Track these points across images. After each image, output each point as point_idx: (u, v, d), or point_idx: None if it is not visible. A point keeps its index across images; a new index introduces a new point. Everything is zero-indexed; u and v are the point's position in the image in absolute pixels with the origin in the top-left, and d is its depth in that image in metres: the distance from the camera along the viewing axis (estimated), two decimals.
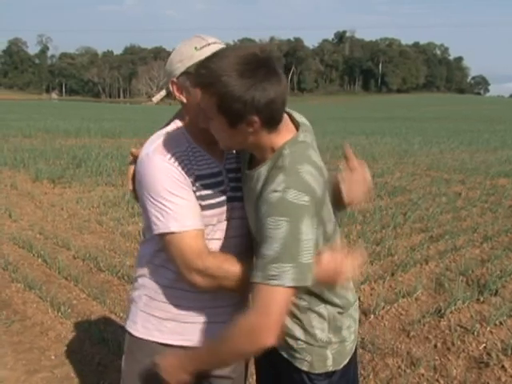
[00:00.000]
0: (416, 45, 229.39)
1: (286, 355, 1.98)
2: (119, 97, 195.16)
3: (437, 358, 4.26)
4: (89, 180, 11.56)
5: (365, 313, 4.99)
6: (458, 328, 4.74)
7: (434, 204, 9.71)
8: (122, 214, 8.45)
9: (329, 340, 1.95)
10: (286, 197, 1.62)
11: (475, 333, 4.63)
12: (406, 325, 4.81)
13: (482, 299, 5.32)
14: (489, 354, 4.30)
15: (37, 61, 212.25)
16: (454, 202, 9.84)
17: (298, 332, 1.93)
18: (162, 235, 1.84)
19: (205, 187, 1.92)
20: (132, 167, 2.02)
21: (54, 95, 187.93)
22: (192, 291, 1.92)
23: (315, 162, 1.78)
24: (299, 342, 1.94)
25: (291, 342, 1.95)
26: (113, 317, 4.87)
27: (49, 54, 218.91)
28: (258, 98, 1.62)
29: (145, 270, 2.05)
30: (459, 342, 4.48)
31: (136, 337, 2.08)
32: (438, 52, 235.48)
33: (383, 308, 5.08)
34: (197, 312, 2.02)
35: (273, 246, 1.62)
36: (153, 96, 2.09)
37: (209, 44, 1.86)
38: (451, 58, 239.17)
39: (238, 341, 1.70)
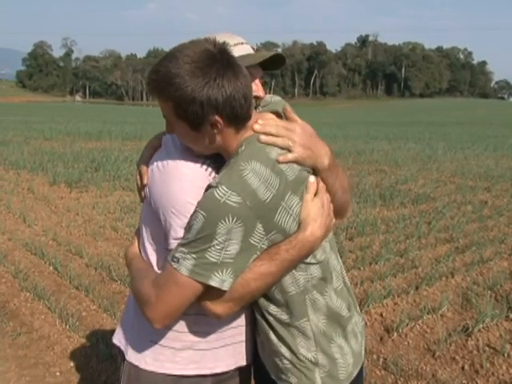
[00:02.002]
0: (439, 49, 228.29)
1: (272, 375, 1.81)
2: (142, 100, 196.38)
3: (464, 381, 4.01)
4: (106, 184, 11.43)
5: (388, 330, 4.76)
6: (487, 348, 4.47)
7: (460, 213, 9.41)
8: (137, 221, 8.23)
9: (315, 360, 1.74)
10: (214, 192, 1.53)
11: (505, 354, 4.35)
12: (431, 344, 4.55)
13: (511, 317, 5.04)
14: None
15: (61, 63, 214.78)
16: (480, 211, 9.52)
17: (283, 349, 1.74)
18: None
19: None
20: (147, 164, 1.81)
21: (78, 97, 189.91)
22: (206, 314, 1.71)
23: (271, 161, 1.59)
24: (284, 361, 1.76)
25: (277, 360, 1.78)
26: None
27: (73, 56, 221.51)
28: (214, 96, 1.53)
29: None
30: (488, 364, 4.21)
31: (143, 369, 1.85)
32: (462, 56, 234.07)
33: (407, 325, 4.83)
34: (214, 336, 1.82)
35: (188, 233, 1.57)
36: None
37: (242, 43, 1.76)
38: (475, 62, 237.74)
39: (136, 296, 1.71)
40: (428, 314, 5.07)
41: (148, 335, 1.83)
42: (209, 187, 1.57)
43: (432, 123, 50.14)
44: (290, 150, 1.63)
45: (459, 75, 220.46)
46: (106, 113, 60.93)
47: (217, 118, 1.56)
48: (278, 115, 1.78)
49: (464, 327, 4.80)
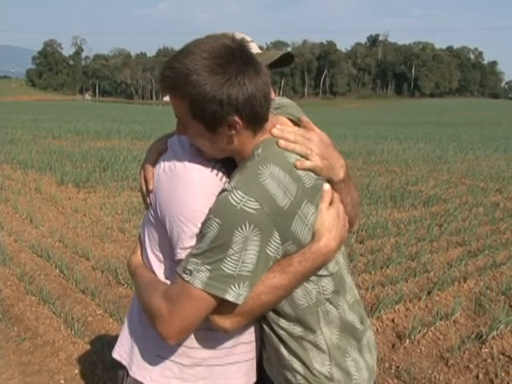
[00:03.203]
0: (450, 49, 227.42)
1: None
2: (152, 99, 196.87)
3: None
4: (114, 184, 11.36)
5: (400, 337, 4.65)
6: (501, 357, 4.36)
7: (471, 215, 9.28)
8: None
9: (330, 375, 1.64)
10: (229, 197, 1.43)
11: None
12: (444, 351, 4.44)
13: None
14: None
15: (71, 62, 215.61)
16: (492, 213, 9.38)
17: (295, 364, 1.64)
18: None
19: None
20: (152, 169, 1.70)
21: (88, 96, 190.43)
22: (216, 329, 1.61)
23: (290, 166, 1.49)
24: (298, 377, 1.66)
25: (289, 375, 1.67)
26: None
27: (83, 55, 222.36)
28: (235, 95, 1.42)
29: None
30: (503, 374, 4.10)
31: None
32: (472, 56, 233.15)
33: (419, 331, 4.72)
34: (224, 351, 1.72)
35: (201, 243, 1.47)
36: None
37: (251, 41, 1.67)
38: (485, 62, 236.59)
39: (146, 308, 1.61)
40: (441, 320, 4.96)
41: (154, 349, 1.74)
42: (222, 191, 1.47)
43: (442, 123, 49.88)
44: (307, 158, 1.54)
45: (469, 75, 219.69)
46: (115, 112, 60.99)
47: (236, 118, 1.45)
48: (291, 120, 1.69)
49: (478, 334, 4.68)
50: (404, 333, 4.70)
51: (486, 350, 4.45)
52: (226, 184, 1.49)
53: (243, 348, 1.75)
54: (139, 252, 1.81)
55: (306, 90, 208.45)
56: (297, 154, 1.54)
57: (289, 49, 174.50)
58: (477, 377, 4.08)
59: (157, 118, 46.88)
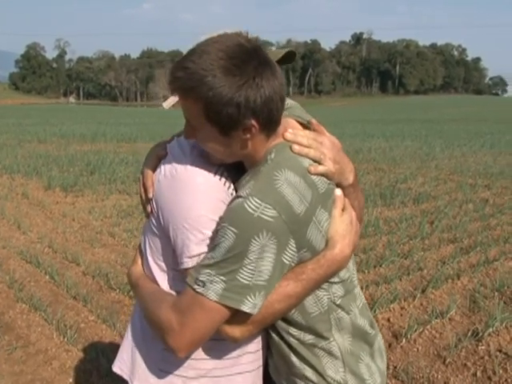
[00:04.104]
0: (433, 46, 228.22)
1: None
2: (136, 100, 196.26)
3: None
4: (102, 188, 11.24)
5: (396, 336, 4.63)
6: (498, 354, 4.34)
7: (461, 212, 9.28)
8: (135, 225, 8.11)
9: (345, 382, 1.60)
10: (245, 205, 1.37)
11: None
12: (441, 350, 4.42)
13: None
14: None
15: (54, 65, 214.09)
16: (482, 210, 9.39)
17: (308, 372, 1.59)
18: None
19: None
20: (152, 175, 1.64)
21: (72, 99, 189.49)
22: (221, 338, 1.56)
23: (305, 171, 1.44)
24: None
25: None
26: None
27: (66, 58, 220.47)
28: (253, 97, 1.36)
29: None
30: (501, 371, 4.08)
31: None
32: (456, 53, 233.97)
33: (415, 330, 4.69)
34: (230, 361, 1.66)
35: (215, 252, 1.40)
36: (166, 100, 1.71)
37: None
38: (469, 58, 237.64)
39: (154, 321, 1.54)
40: (436, 318, 4.94)
41: (157, 363, 1.68)
42: (236, 198, 1.42)
43: (427, 120, 50.00)
44: (320, 163, 1.49)
45: (453, 72, 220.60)
46: (100, 114, 60.60)
47: (253, 121, 1.40)
48: (299, 122, 1.64)
49: (474, 332, 4.66)
50: (400, 332, 4.67)
51: (483, 348, 4.43)
52: (240, 190, 1.44)
53: (249, 357, 1.70)
54: (140, 262, 1.75)
55: (290, 89, 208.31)
56: (310, 158, 1.49)
57: (273, 48, 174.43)
58: (475, 375, 4.06)
59: (142, 120, 46.68)
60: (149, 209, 1.63)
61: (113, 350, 4.38)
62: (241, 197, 1.40)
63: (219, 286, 1.39)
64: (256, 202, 1.36)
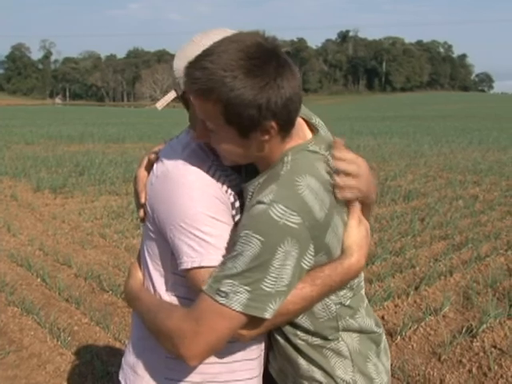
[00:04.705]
0: (419, 43, 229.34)
1: None
2: (123, 100, 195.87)
3: None
4: (92, 189, 11.18)
5: (391, 334, 4.61)
6: (493, 350, 4.35)
7: (452, 208, 9.31)
8: (126, 226, 8.07)
9: (354, 381, 1.59)
10: (270, 212, 1.34)
11: None
12: (436, 347, 4.42)
13: None
14: None
15: (40, 66, 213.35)
16: (472, 206, 9.43)
17: (316, 374, 1.57)
18: (195, 271, 1.45)
19: (237, 210, 1.55)
20: (145, 177, 1.62)
21: (58, 100, 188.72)
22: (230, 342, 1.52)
23: (323, 177, 1.43)
24: None
25: None
26: (117, 345, 4.46)
27: (52, 58, 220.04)
28: (274, 99, 1.33)
29: None
30: (496, 367, 4.09)
31: None
32: (442, 50, 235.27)
33: (410, 328, 4.70)
34: (238, 365, 1.63)
35: (237, 261, 1.35)
36: (157, 100, 1.66)
37: None
38: (455, 55, 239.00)
39: (162, 331, 1.47)
40: (430, 315, 4.95)
41: (162, 372, 1.63)
42: (257, 204, 1.38)
43: (415, 117, 50.25)
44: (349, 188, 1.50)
45: (440, 68, 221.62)
46: (87, 115, 60.34)
47: (272, 123, 1.36)
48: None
49: (468, 328, 4.67)
50: (395, 330, 4.67)
51: (478, 344, 4.43)
52: (260, 195, 1.40)
53: (260, 362, 1.69)
54: (137, 275, 1.70)
55: None
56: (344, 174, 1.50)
57: None
58: (470, 371, 4.07)
59: (130, 120, 46.57)
60: (141, 213, 1.61)
61: (107, 352, 4.36)
62: (263, 203, 1.37)
63: (243, 296, 1.36)
64: (281, 208, 1.34)
